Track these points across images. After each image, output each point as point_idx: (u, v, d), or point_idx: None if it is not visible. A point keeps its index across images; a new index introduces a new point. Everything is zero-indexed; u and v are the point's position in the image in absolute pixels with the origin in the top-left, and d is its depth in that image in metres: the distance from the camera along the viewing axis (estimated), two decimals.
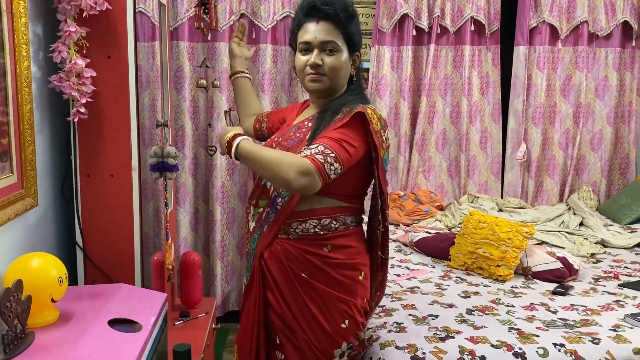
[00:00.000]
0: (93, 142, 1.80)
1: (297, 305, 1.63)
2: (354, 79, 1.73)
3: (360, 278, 1.71)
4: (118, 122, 1.80)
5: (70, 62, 1.69)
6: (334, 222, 1.64)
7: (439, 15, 3.58)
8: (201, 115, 3.51)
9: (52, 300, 1.41)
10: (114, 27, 1.76)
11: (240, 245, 3.66)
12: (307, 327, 1.63)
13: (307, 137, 1.63)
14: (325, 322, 1.63)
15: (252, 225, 1.72)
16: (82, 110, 1.72)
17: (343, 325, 1.66)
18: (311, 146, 1.51)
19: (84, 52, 1.73)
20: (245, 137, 1.56)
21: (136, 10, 3.24)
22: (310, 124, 1.68)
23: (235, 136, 1.54)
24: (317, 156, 1.47)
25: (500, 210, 3.70)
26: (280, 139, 1.72)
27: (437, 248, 2.94)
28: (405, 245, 3.13)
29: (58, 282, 1.41)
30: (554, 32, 3.73)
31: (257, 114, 2.03)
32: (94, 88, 1.75)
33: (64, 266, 1.46)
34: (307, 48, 1.64)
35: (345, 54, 1.65)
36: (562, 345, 1.91)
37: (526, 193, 3.89)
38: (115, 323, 1.46)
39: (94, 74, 1.73)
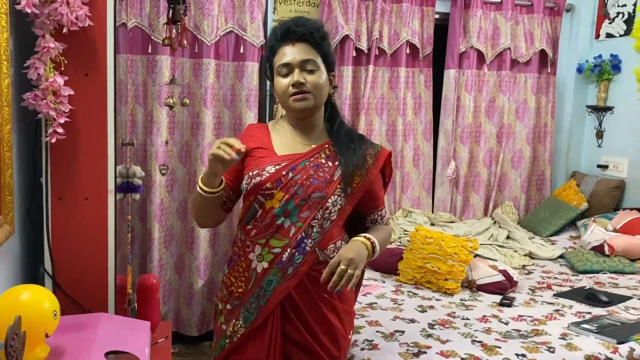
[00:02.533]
0: (67, 163, 1.70)
1: (322, 329, 1.63)
2: (333, 99, 1.75)
3: (353, 289, 1.75)
4: (94, 143, 1.71)
5: (47, 79, 1.59)
6: (343, 242, 1.69)
7: (377, 38, 3.71)
8: (139, 130, 3.39)
9: (46, 335, 1.32)
10: (93, 43, 1.67)
11: (178, 263, 3.56)
12: (330, 345, 1.65)
13: (341, 180, 1.63)
14: (341, 337, 1.68)
15: (260, 265, 1.63)
16: (60, 130, 1.62)
17: (349, 337, 1.76)
18: (383, 213, 1.78)
19: (62, 69, 1.63)
20: (369, 237, 1.62)
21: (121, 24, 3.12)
22: (330, 162, 1.65)
23: (371, 242, 1.61)
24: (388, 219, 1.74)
25: (433, 224, 3.88)
26: (293, 175, 1.60)
27: (385, 263, 3.03)
28: None
29: (53, 315, 1.32)
30: (480, 57, 3.99)
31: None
32: (71, 107, 1.65)
33: (56, 299, 1.37)
34: (287, 70, 1.63)
35: (324, 73, 1.64)
36: (523, 355, 2.05)
37: (455, 208, 4.10)
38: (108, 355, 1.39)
39: (72, 93, 1.64)
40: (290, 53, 1.62)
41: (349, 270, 1.50)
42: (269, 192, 1.61)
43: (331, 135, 1.71)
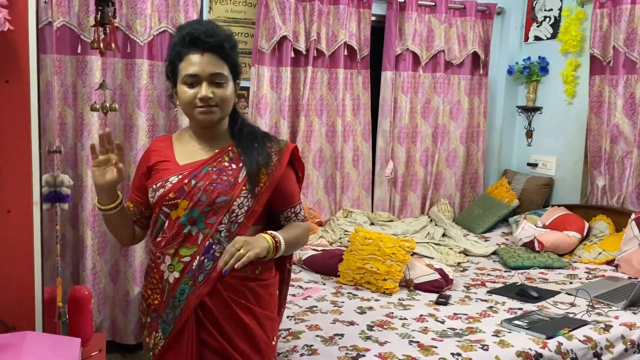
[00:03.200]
0: None
1: (239, 335, 1.61)
2: (236, 105, 1.73)
3: (276, 294, 1.78)
4: (17, 154, 1.62)
5: None
6: None
7: (315, 39, 3.71)
8: (69, 133, 3.26)
9: None
10: (14, 47, 1.59)
11: (113, 271, 3.45)
12: (249, 351, 1.62)
13: (246, 181, 1.61)
14: (263, 343, 1.65)
15: (172, 275, 1.62)
16: None
17: (273, 343, 1.72)
18: (297, 209, 1.74)
19: None
20: (272, 233, 1.61)
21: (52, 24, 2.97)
22: (233, 165, 1.64)
23: (273, 236, 1.59)
24: (305, 215, 1.77)
25: (372, 223, 3.93)
26: (196, 182, 1.60)
27: (325, 265, 3.04)
28: (294, 263, 3.19)
29: None
30: (416, 59, 4.06)
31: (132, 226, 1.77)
32: None
33: None
34: (194, 81, 1.58)
35: (231, 84, 1.64)
36: (458, 354, 2.10)
37: (393, 207, 4.17)
38: None
39: None
40: (198, 64, 1.58)
41: (241, 250, 1.49)
42: (173, 202, 1.61)
43: (234, 137, 1.70)
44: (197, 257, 1.60)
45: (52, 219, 2.05)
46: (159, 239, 1.66)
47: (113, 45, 2.03)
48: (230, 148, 1.67)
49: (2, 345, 1.47)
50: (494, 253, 3.60)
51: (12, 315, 1.69)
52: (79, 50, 3.18)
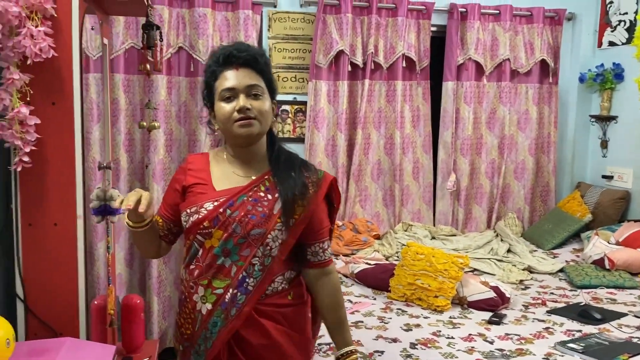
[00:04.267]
0: (36, 190, 1.74)
1: (272, 355, 1.58)
2: (273, 127, 1.69)
3: (309, 315, 1.72)
4: (63, 170, 1.75)
5: (12, 109, 1.64)
6: (292, 271, 1.64)
7: (372, 52, 3.71)
8: (137, 149, 3.46)
9: None
10: (59, 73, 1.72)
11: (177, 280, 3.59)
12: None
13: (281, 214, 1.55)
14: None
15: (204, 307, 1.57)
16: (26, 159, 1.67)
17: None
18: (325, 245, 1.65)
19: (27, 99, 1.68)
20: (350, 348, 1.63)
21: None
22: (269, 195, 1.57)
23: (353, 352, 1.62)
24: (332, 254, 1.68)
25: (433, 237, 3.85)
26: (231, 212, 1.54)
27: (377, 279, 3.01)
28: (346, 276, 3.19)
29: (5, 344, 1.35)
30: (479, 68, 3.96)
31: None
32: (38, 136, 1.70)
33: (10, 326, 1.40)
34: (231, 95, 1.54)
35: (269, 100, 1.59)
36: None
37: (456, 221, 4.06)
38: None
39: (38, 122, 1.68)
40: (234, 77, 1.55)
41: None
42: (207, 230, 1.55)
43: (271, 163, 1.64)
44: (230, 290, 1.54)
45: (103, 231, 2.18)
46: (192, 267, 1.60)
47: (160, 66, 2.12)
48: (267, 177, 1.61)
49: (41, 349, 1.58)
50: (561, 271, 3.41)
51: (59, 322, 1.81)
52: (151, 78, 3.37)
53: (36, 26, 1.65)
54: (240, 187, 1.58)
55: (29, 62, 1.64)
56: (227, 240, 1.53)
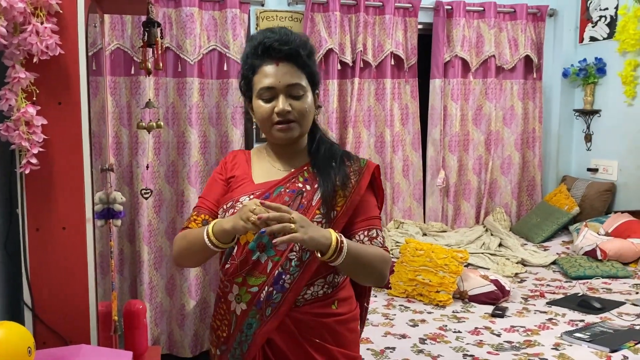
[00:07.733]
0: (43, 193, 1.67)
1: None
2: (315, 118, 1.60)
3: (358, 330, 1.60)
4: (70, 172, 1.68)
5: (18, 110, 1.57)
6: (336, 275, 1.49)
7: (361, 51, 3.71)
8: (124, 152, 3.38)
9: None
10: (65, 72, 1.65)
11: (169, 285, 3.52)
12: None
13: (321, 204, 1.46)
14: None
15: (239, 307, 1.48)
16: (34, 161, 1.60)
17: None
18: (373, 234, 1.47)
19: (34, 99, 1.61)
20: (341, 236, 1.37)
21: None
22: (308, 186, 1.49)
23: (339, 239, 1.36)
24: (385, 245, 1.50)
25: (425, 234, 3.86)
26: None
27: None
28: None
29: (27, 353, 1.29)
30: (465, 65, 3.99)
31: None
32: (45, 137, 1.63)
33: (30, 334, 1.34)
34: (270, 95, 1.46)
35: (310, 95, 1.48)
36: None
37: (446, 217, 4.08)
38: None
39: (45, 122, 1.62)
40: (274, 75, 1.45)
41: (293, 226, 1.29)
42: None
43: (311, 154, 1.56)
44: (266, 288, 1.44)
45: (107, 235, 2.12)
46: (227, 266, 1.51)
47: (160, 64, 2.07)
48: (305, 167, 1.53)
49: (59, 357, 1.52)
50: (554, 263, 3.46)
51: (68, 329, 1.74)
52: (132, 72, 3.31)
53: (41, 23, 1.59)
54: (278, 180, 1.51)
55: (35, 60, 1.58)
56: (263, 234, 1.41)
